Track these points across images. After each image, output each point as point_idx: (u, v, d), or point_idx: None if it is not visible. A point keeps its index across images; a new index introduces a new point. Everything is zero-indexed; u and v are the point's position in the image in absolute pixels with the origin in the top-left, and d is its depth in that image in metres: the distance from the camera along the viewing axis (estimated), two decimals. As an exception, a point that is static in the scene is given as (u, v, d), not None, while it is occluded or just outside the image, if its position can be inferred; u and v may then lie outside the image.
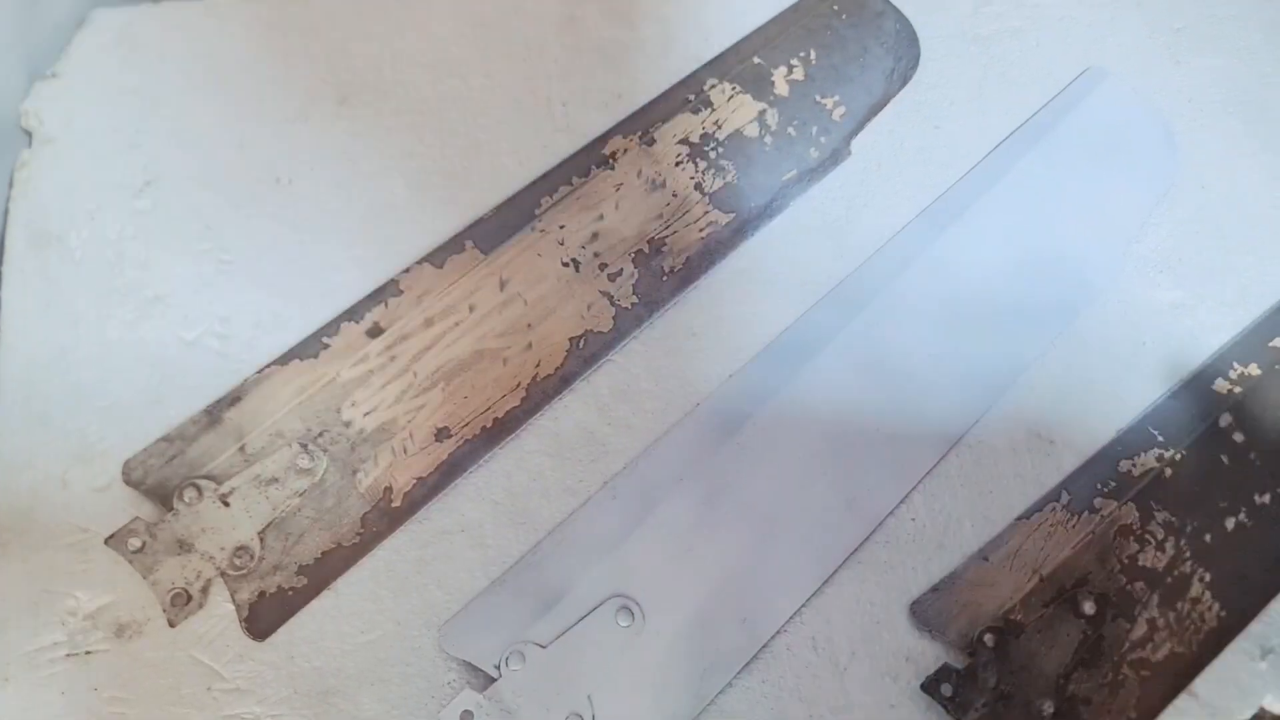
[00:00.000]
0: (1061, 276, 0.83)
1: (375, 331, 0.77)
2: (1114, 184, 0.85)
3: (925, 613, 0.74)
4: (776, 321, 0.81)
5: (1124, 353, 0.81)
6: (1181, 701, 0.73)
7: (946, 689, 0.71)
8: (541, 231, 0.81)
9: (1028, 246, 0.83)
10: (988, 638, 0.72)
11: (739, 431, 0.77)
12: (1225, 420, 0.79)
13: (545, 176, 0.83)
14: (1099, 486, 0.77)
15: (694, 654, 0.72)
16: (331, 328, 0.77)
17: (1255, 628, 0.75)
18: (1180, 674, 0.74)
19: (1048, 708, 0.71)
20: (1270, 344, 0.81)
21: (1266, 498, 0.77)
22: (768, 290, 0.81)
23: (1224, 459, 0.78)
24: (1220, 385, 0.80)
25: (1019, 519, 0.76)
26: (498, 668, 0.70)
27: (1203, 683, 0.73)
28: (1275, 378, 0.80)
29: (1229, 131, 0.88)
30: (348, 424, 0.74)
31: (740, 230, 0.83)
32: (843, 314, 0.81)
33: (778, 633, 0.73)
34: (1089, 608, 0.73)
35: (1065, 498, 0.77)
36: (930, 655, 0.73)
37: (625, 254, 0.81)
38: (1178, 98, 0.89)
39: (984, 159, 0.85)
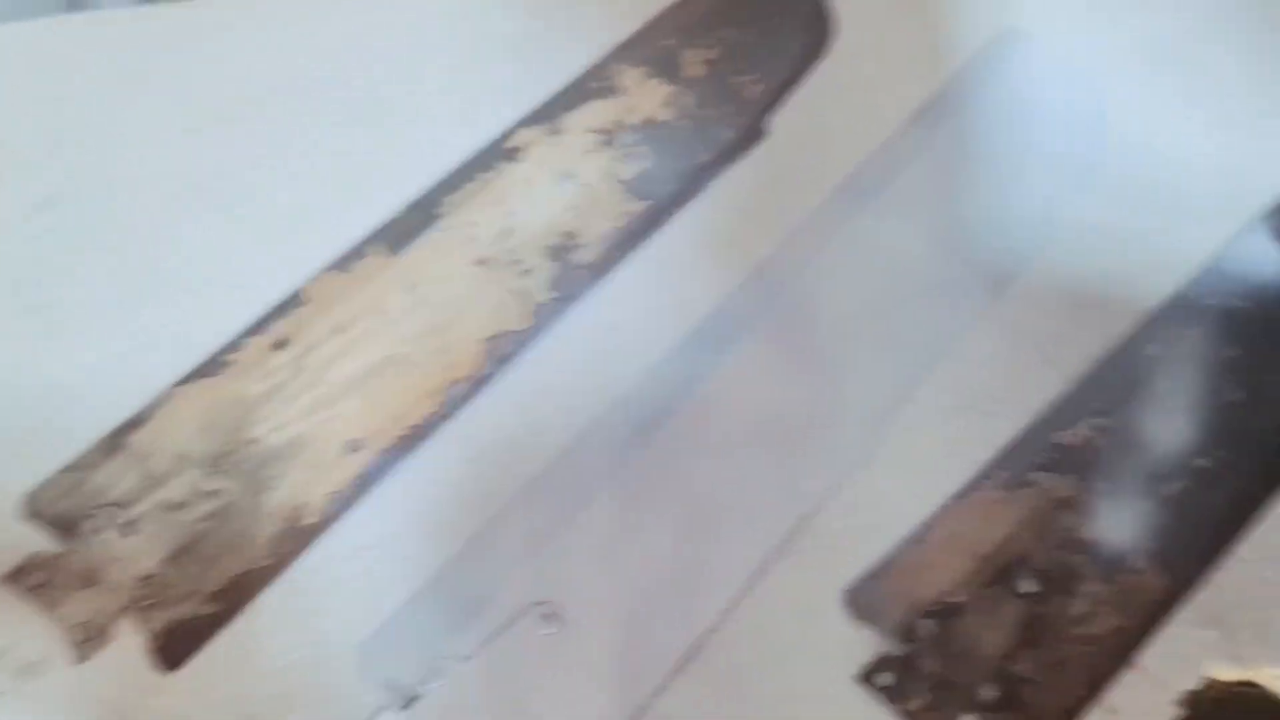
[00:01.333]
0: (990, 247, 0.80)
1: (281, 344, 0.74)
2: (1042, 150, 0.83)
3: (861, 601, 0.72)
4: (699, 308, 0.78)
5: (1056, 320, 0.79)
6: (1127, 675, 0.71)
7: (884, 678, 0.69)
8: (450, 230, 0.78)
9: (952, 218, 0.80)
10: (924, 623, 0.70)
11: (664, 424, 0.75)
12: (1161, 385, 0.76)
13: (452, 174, 0.80)
14: (1035, 459, 0.75)
15: (625, 657, 0.70)
16: (236, 343, 0.74)
17: (1202, 595, 0.73)
18: (1125, 647, 0.72)
19: (990, 692, 0.69)
20: (1204, 304, 0.79)
21: (1206, 461, 0.75)
22: (688, 276, 0.79)
23: (1161, 424, 0.75)
24: (1154, 350, 0.78)
25: (954, 498, 0.74)
26: (419, 685, 0.67)
27: (1149, 654, 0.71)
28: (1208, 340, 0.78)
29: (1161, 92, 0.86)
30: (255, 441, 0.72)
31: (656, 217, 0.80)
32: (765, 296, 0.78)
33: (711, 630, 0.71)
34: (1029, 586, 0.71)
35: (1001, 473, 0.75)
36: (868, 644, 0.71)
37: (538, 248, 0.78)
38: (1106, 58, 0.87)
39: (903, 130, 0.83)
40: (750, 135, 0.83)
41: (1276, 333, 0.78)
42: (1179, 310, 0.79)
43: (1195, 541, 0.74)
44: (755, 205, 0.81)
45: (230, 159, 0.82)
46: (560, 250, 0.79)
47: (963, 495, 0.74)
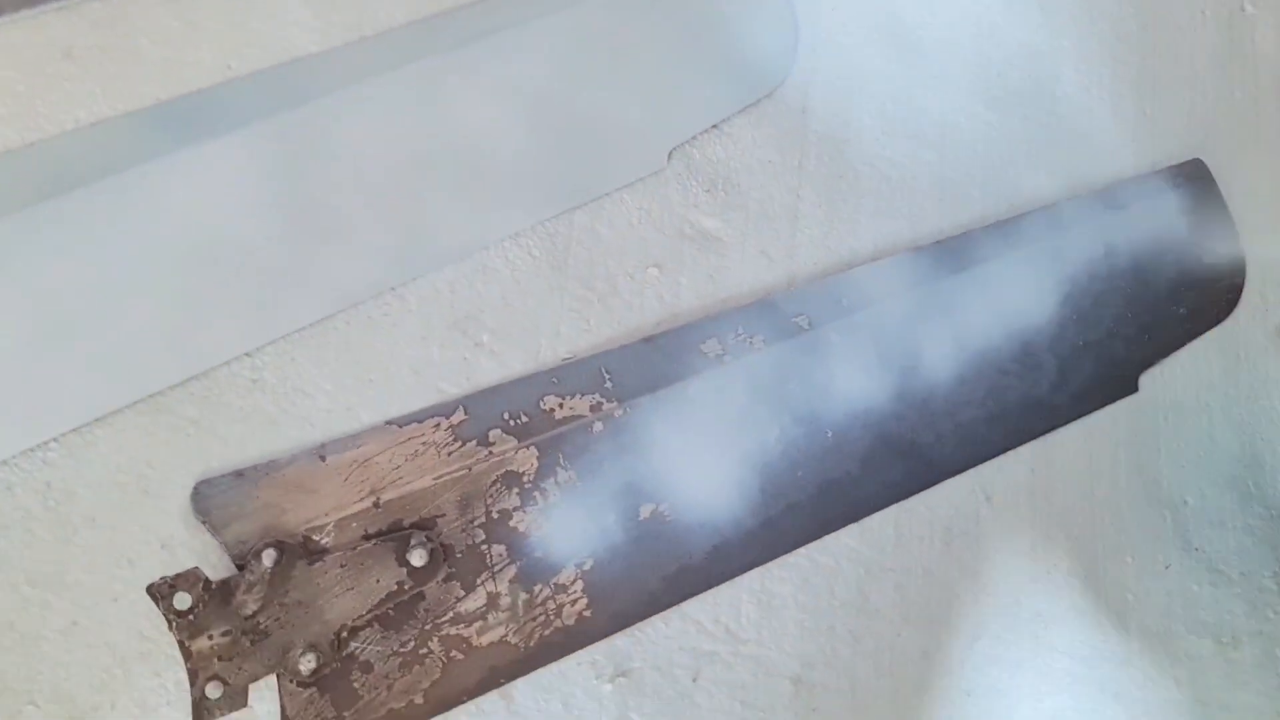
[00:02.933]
0: (589, 152, 0.63)
1: None
2: (708, 61, 0.66)
3: (209, 497, 0.55)
4: (193, 77, 0.59)
5: (618, 266, 0.63)
6: (488, 701, 0.56)
7: (182, 600, 0.53)
8: None
9: (566, 100, 0.63)
10: (268, 554, 0.54)
11: (67, 196, 0.56)
12: (695, 387, 0.61)
13: None
14: (506, 417, 0.59)
15: None
16: None
17: (619, 641, 0.59)
18: (501, 670, 0.57)
19: (306, 662, 0.53)
20: (795, 320, 0.64)
21: (715, 483, 0.60)
22: (197, 29, 0.60)
23: (672, 431, 0.60)
24: (710, 348, 0.62)
25: (389, 422, 0.58)
26: None
27: (525, 687, 0.57)
28: (774, 360, 0.63)
29: (864, 57, 0.70)
30: None
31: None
32: (278, 98, 0.60)
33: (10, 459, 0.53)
34: (419, 557, 0.55)
35: (459, 416, 0.59)
36: (194, 551, 0.54)
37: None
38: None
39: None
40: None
41: (853, 367, 0.64)
42: (762, 315, 0.64)
43: (644, 578, 0.59)
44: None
45: None
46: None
47: (403, 423, 0.58)
